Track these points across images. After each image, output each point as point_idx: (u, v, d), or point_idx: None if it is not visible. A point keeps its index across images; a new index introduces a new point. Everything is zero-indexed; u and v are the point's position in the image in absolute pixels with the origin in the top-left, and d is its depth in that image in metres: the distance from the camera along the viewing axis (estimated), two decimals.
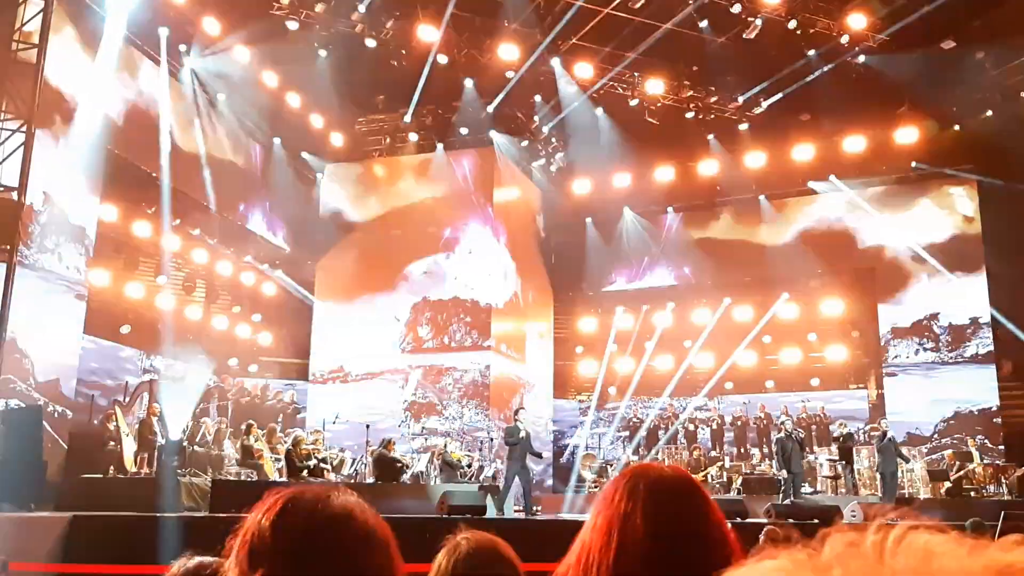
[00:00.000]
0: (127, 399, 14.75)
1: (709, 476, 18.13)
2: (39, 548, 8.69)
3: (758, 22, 16.40)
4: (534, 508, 14.04)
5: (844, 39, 16.96)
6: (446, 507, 11.46)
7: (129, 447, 13.52)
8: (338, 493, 1.31)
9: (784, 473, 13.96)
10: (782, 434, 14.26)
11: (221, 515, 10.31)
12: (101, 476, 12.78)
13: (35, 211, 13.27)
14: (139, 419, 14.12)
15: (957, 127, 18.60)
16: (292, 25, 16.57)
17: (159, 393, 14.96)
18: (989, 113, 18.12)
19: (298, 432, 15.22)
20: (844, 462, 15.39)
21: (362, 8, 16.18)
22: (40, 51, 12.71)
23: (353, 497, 1.32)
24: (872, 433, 14.72)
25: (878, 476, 14.94)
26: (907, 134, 18.92)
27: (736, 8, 16.22)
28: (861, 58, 17.37)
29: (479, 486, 13.88)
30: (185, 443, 13.43)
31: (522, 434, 13.45)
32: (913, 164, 19.45)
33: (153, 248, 17.18)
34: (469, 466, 15.89)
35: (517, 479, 13.51)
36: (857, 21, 16.47)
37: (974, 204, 19.72)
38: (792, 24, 16.58)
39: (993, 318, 19.10)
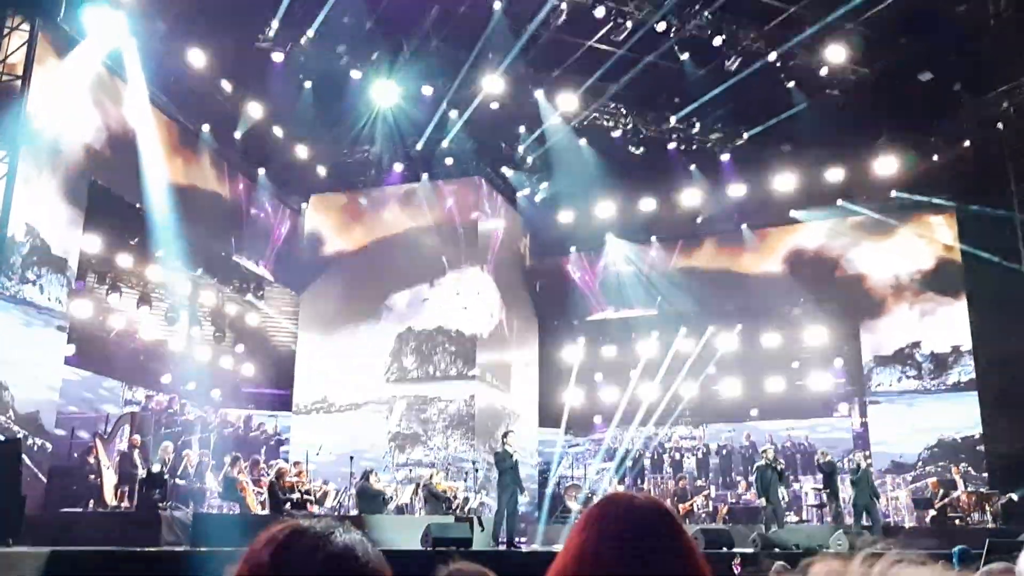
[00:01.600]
0: (108, 431, 14.58)
1: (695, 506, 18.10)
2: None
3: (738, 58, 16.66)
4: (518, 540, 13.87)
5: (823, 71, 17.21)
6: (430, 540, 11.36)
7: (109, 480, 13.37)
8: (342, 530, 1.31)
9: (763, 501, 13.93)
10: (762, 463, 14.26)
11: (203, 549, 10.18)
12: (81, 510, 12.61)
13: (17, 242, 13.19)
14: (120, 451, 13.96)
15: (936, 157, 18.84)
16: (277, 57, 16.64)
17: (140, 425, 14.81)
18: (967, 143, 18.37)
19: (281, 464, 15.09)
20: (829, 491, 15.36)
21: (347, 40, 16.27)
22: (24, 82, 12.72)
23: (357, 535, 1.31)
24: (850, 466, 14.69)
25: (852, 509, 14.88)
26: (886, 164, 19.14)
27: (717, 41, 16.45)
28: (840, 90, 17.60)
29: (455, 516, 13.74)
30: (166, 475, 13.28)
31: (514, 458, 13.11)
32: (893, 193, 19.66)
33: (136, 279, 17.10)
34: (454, 498, 15.76)
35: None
36: (836, 53, 16.71)
37: (953, 233, 19.92)
38: (772, 56, 16.83)
39: (974, 346, 19.25)
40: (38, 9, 13.48)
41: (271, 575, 1.23)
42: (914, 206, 20.02)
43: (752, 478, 16.65)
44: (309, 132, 18.32)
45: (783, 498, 15.10)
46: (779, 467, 14.26)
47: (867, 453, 18.94)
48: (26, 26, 13.30)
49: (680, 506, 17.82)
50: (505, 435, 13.82)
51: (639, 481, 20.12)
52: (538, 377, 22.79)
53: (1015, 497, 15.32)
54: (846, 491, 16.64)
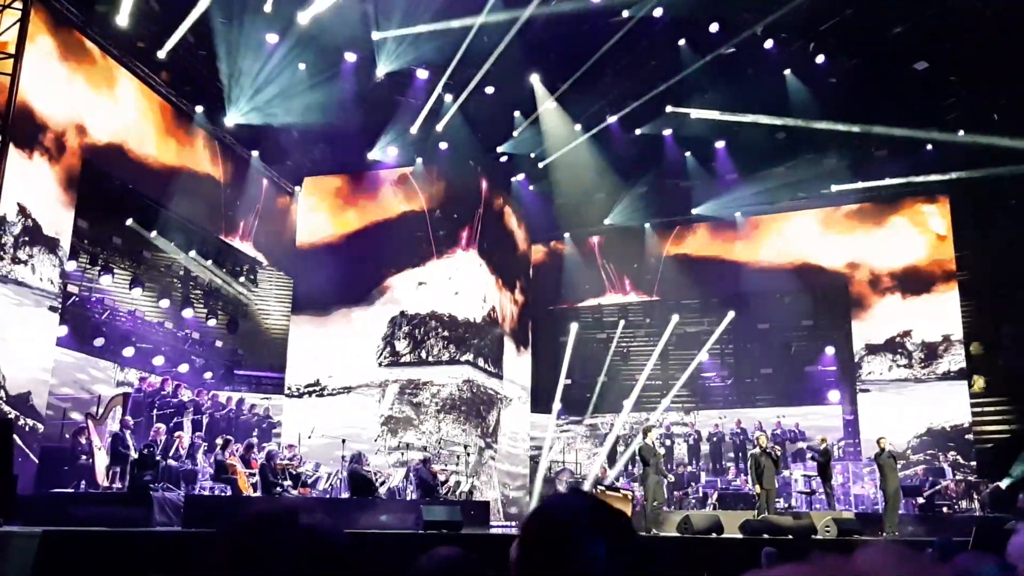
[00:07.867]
0: (100, 412, 14.56)
1: (687, 492, 18.19)
2: (9, 565, 8.56)
3: (733, 45, 16.65)
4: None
5: (820, 59, 17.19)
6: (422, 523, 11.40)
7: (101, 461, 13.36)
8: (305, 514, 1.31)
9: (757, 488, 14.01)
10: (757, 449, 14.33)
11: (194, 531, 10.21)
12: (72, 491, 12.61)
13: (8, 222, 13.13)
14: (112, 432, 13.94)
15: (930, 146, 18.85)
16: (272, 38, 16.52)
17: (132, 406, 14.78)
18: (961, 133, 18.37)
19: (273, 447, 15.10)
20: (821, 478, 15.42)
21: (343, 23, 16.14)
22: (16, 61, 12.62)
23: (321, 517, 1.32)
24: (877, 451, 14.77)
25: (879, 494, 14.96)
26: (881, 152, 19.14)
27: (714, 27, 16.41)
28: (835, 78, 17.59)
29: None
30: (158, 457, 13.26)
31: (661, 452, 14.91)
32: (887, 181, 19.68)
33: (128, 260, 17.06)
34: (445, 482, 15.80)
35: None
36: (832, 41, 16.69)
37: (946, 222, 20.00)
38: (769, 44, 16.79)
39: (965, 335, 19.34)
40: None
41: (236, 560, 1.24)
42: (908, 195, 20.09)
43: (745, 465, 16.76)
44: (303, 115, 18.19)
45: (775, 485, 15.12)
46: (775, 454, 14.29)
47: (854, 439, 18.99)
48: (19, 4, 13.19)
49: (675, 493, 17.88)
50: (648, 430, 14.90)
51: (630, 467, 20.17)
52: (531, 362, 22.83)
53: (1003, 485, 15.42)
54: (835, 479, 16.71)
